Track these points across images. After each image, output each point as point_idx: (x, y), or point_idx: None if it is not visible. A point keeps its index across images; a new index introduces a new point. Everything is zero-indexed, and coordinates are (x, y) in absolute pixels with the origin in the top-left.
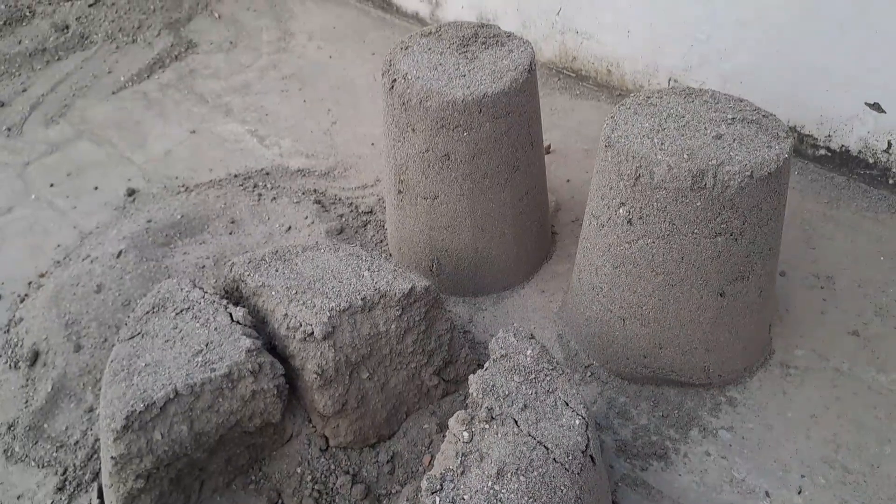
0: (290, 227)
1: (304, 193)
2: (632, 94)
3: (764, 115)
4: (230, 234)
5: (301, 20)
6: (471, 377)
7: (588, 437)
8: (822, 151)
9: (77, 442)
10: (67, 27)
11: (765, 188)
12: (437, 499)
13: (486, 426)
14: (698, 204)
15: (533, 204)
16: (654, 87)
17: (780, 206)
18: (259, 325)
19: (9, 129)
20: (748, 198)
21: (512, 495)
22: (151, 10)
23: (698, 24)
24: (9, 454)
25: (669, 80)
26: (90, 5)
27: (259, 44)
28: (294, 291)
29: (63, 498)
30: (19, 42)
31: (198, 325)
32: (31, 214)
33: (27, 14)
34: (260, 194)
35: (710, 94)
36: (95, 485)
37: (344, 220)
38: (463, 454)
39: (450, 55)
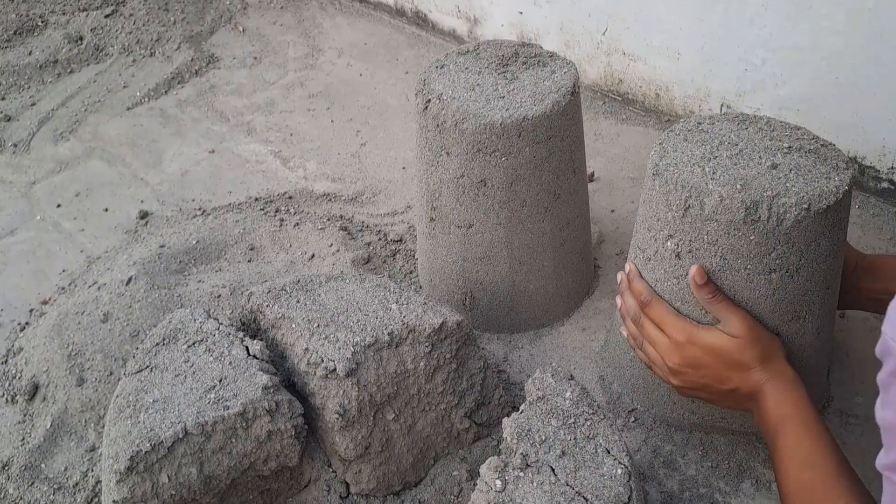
0: (313, 256)
1: (329, 219)
2: (682, 120)
3: (823, 145)
4: (249, 261)
5: (330, 36)
6: (505, 420)
7: (631, 487)
8: (885, 184)
9: (77, 484)
10: (81, 38)
11: (823, 222)
12: None
13: (521, 474)
14: (752, 238)
15: (574, 235)
16: (706, 113)
17: (839, 241)
18: (277, 359)
19: (15, 146)
20: (805, 232)
21: None
22: (172, 22)
23: (752, 48)
24: (2, 496)
25: (722, 105)
26: (106, 16)
27: (285, 60)
28: (316, 324)
29: None
30: (29, 53)
31: (211, 358)
32: (35, 237)
33: (39, 24)
34: (282, 220)
35: (766, 120)
36: None
37: (371, 248)
38: None
39: (488, 75)
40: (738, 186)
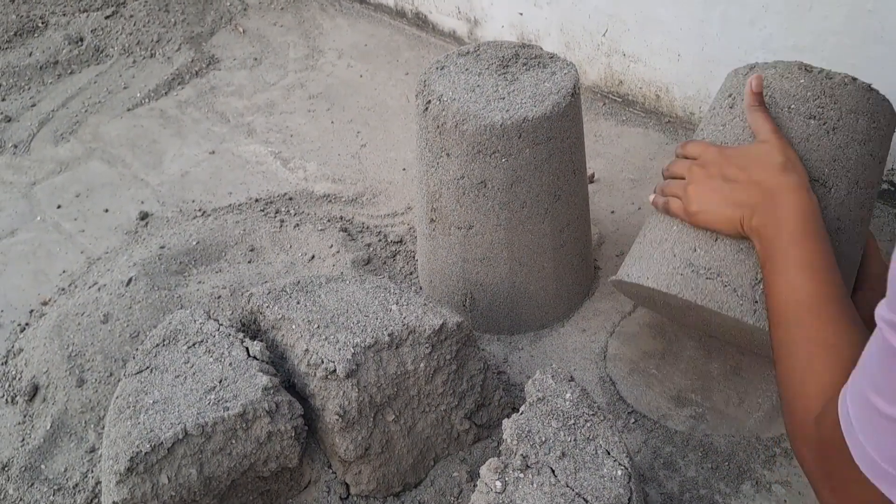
0: (313, 257)
1: (329, 220)
2: None
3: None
4: (249, 262)
5: (331, 37)
6: (505, 422)
7: (631, 489)
8: (885, 186)
9: (76, 485)
10: (82, 39)
11: (864, 101)
12: None
13: (521, 475)
14: (801, 81)
15: (574, 236)
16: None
17: (876, 153)
18: (277, 360)
19: (15, 147)
20: (848, 97)
21: None
22: (172, 23)
23: (753, 49)
24: (2, 497)
25: None
26: (107, 17)
27: (285, 61)
28: (316, 325)
29: None
30: (30, 54)
31: (211, 359)
32: (35, 238)
33: (39, 25)
34: (282, 221)
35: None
36: None
37: (372, 249)
38: None
39: (488, 76)
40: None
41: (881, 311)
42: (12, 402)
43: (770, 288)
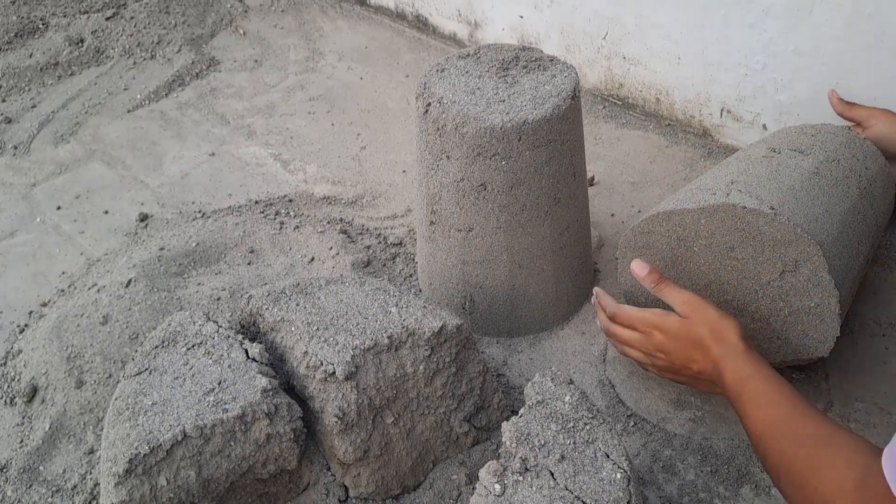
0: (313, 259)
1: (329, 222)
2: None
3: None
4: (249, 264)
5: (331, 39)
6: (504, 424)
7: (630, 492)
8: None
9: (75, 486)
10: (82, 41)
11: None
12: None
13: (520, 478)
14: None
15: (574, 239)
16: (706, 118)
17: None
18: (277, 362)
19: (15, 148)
20: None
21: None
22: (172, 24)
23: (753, 53)
24: (0, 498)
25: (722, 110)
26: (107, 18)
27: (286, 63)
28: (315, 327)
29: None
30: (30, 55)
31: (210, 361)
32: (35, 239)
33: (40, 26)
34: (282, 222)
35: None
36: None
37: (371, 251)
38: None
39: (488, 79)
40: None
41: None
42: (11, 403)
43: (746, 427)
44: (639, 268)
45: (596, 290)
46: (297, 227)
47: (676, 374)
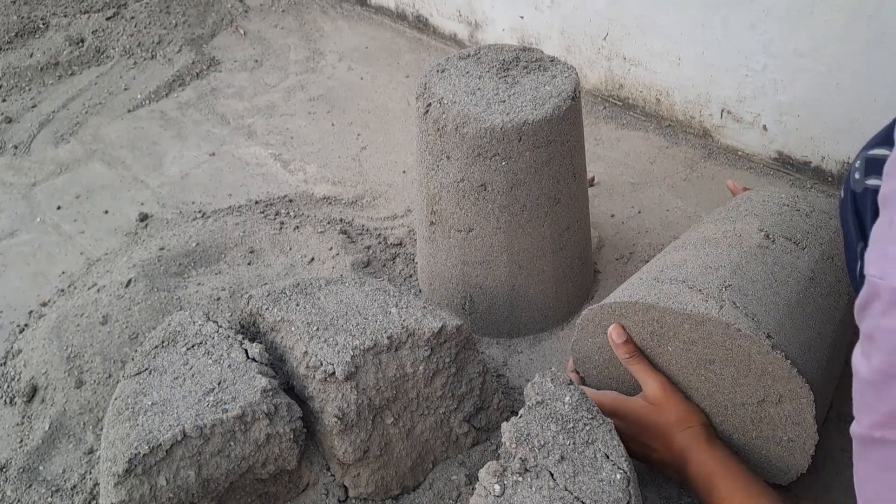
0: (313, 259)
1: (329, 223)
2: None
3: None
4: (249, 264)
5: (332, 40)
6: (504, 425)
7: (630, 493)
8: None
9: (74, 486)
10: (83, 41)
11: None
12: None
13: (520, 478)
14: None
15: (574, 239)
16: (707, 119)
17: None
18: (276, 362)
19: (15, 147)
20: None
21: None
22: (173, 24)
23: (753, 53)
24: (0, 498)
25: (722, 111)
26: (108, 18)
27: (286, 63)
28: (315, 328)
29: None
30: (31, 55)
31: (210, 361)
32: (35, 239)
33: (41, 26)
34: (282, 223)
35: None
36: None
37: (371, 252)
38: None
39: (489, 79)
40: None
41: (855, 428)
42: (11, 402)
43: None
44: (616, 334)
45: (570, 365)
46: (297, 227)
47: (632, 454)
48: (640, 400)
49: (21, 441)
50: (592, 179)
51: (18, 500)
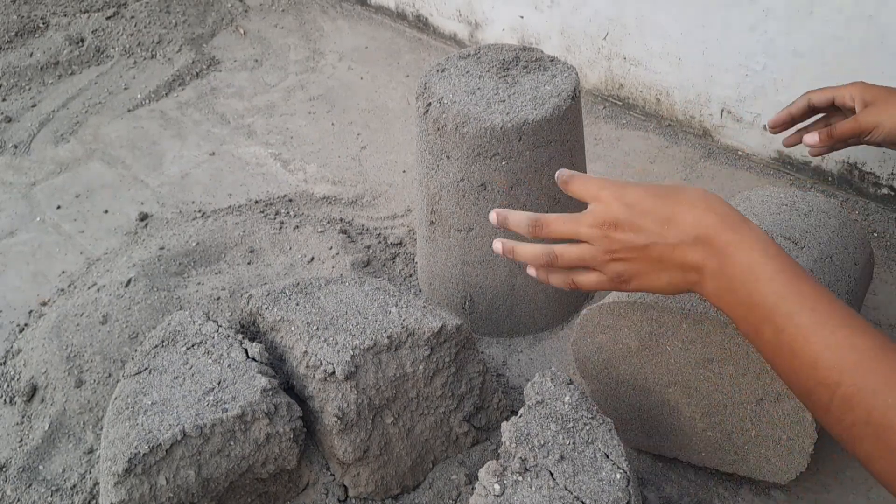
0: (312, 258)
1: (329, 222)
2: None
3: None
4: (248, 263)
5: (332, 39)
6: (503, 424)
7: (630, 492)
8: (885, 190)
9: (74, 486)
10: (83, 40)
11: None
12: None
13: (520, 478)
14: None
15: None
16: (707, 119)
17: None
18: (276, 362)
19: (15, 147)
20: None
21: None
22: (173, 24)
23: (753, 53)
24: (0, 498)
25: (722, 110)
26: (108, 18)
27: (286, 63)
28: (315, 327)
29: None
30: (31, 55)
31: (210, 360)
32: (35, 238)
33: (40, 25)
34: (282, 222)
35: None
36: None
37: (371, 251)
38: None
39: (489, 79)
40: None
41: None
42: (11, 402)
43: (793, 362)
44: (565, 174)
45: (493, 214)
46: (297, 226)
47: (650, 269)
48: (639, 184)
49: (21, 440)
50: None
51: (18, 500)
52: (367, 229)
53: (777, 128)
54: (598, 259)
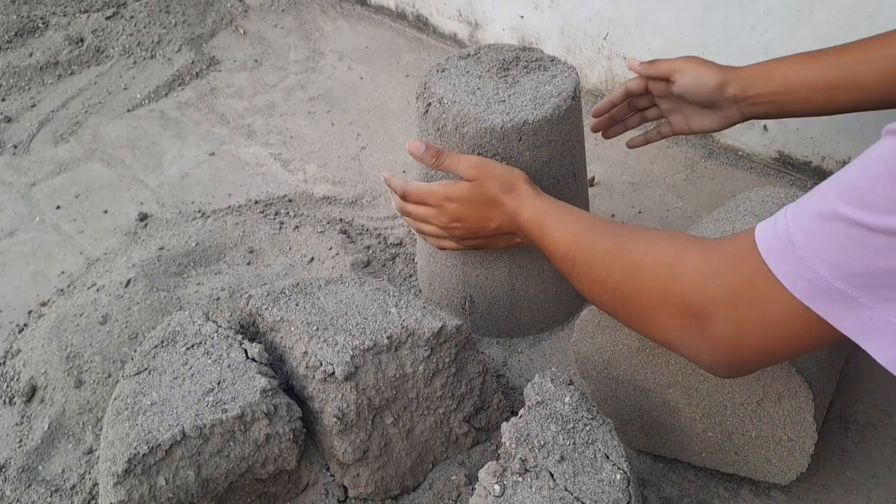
0: (312, 259)
1: (328, 222)
2: None
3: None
4: (248, 264)
5: (331, 39)
6: (504, 425)
7: (630, 493)
8: None
9: (74, 486)
10: (82, 40)
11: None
12: None
13: (520, 479)
14: None
15: None
16: None
17: None
18: (276, 362)
19: (15, 147)
20: None
21: None
22: (172, 24)
23: (754, 54)
24: None
25: None
26: (107, 18)
27: (286, 63)
28: (315, 328)
29: None
30: (30, 54)
31: (210, 361)
32: (34, 238)
33: (40, 25)
34: (281, 222)
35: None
36: None
37: (371, 252)
38: None
39: (489, 79)
40: None
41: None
42: (10, 402)
43: (551, 254)
44: (415, 147)
45: (383, 174)
46: (297, 227)
47: (475, 237)
48: (461, 181)
49: (20, 441)
50: (592, 179)
51: (18, 500)
52: (367, 229)
53: (598, 117)
54: (437, 221)
